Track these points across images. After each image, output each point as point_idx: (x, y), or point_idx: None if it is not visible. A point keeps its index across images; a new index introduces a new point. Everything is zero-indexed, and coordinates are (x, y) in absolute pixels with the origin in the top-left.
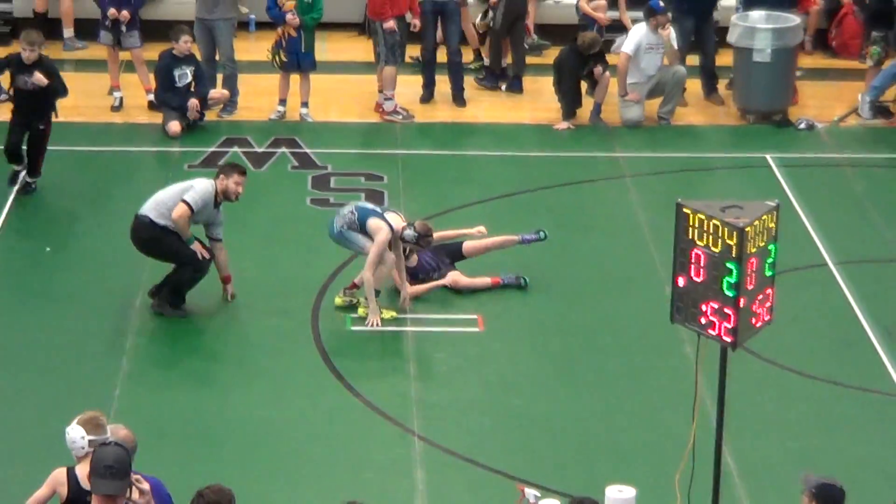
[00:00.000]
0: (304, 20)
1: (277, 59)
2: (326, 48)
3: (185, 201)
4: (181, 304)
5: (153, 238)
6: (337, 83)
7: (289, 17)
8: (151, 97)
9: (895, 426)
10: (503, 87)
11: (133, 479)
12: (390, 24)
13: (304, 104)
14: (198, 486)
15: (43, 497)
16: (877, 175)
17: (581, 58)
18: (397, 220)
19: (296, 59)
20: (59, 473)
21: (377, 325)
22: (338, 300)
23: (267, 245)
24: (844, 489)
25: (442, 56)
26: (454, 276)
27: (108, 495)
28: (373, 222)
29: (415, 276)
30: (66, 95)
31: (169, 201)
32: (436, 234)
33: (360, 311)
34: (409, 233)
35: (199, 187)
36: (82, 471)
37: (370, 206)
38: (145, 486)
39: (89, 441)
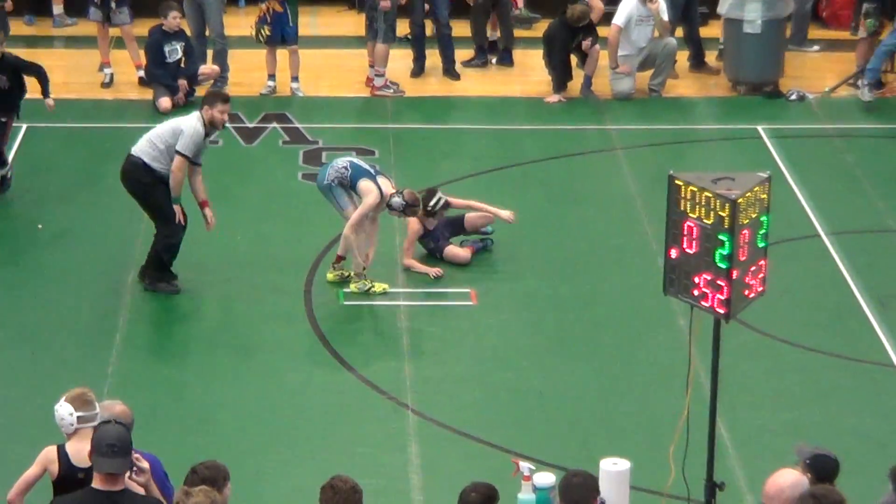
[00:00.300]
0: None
1: (262, 34)
2: (317, 23)
3: (180, 153)
4: (171, 279)
5: (144, 185)
6: (327, 58)
7: (276, 6)
8: (142, 73)
9: (888, 396)
10: (493, 60)
11: (133, 457)
12: (387, 2)
13: (295, 78)
14: (192, 464)
15: (33, 476)
16: (868, 145)
17: (571, 30)
18: (387, 186)
19: (280, 32)
20: (50, 451)
21: (364, 272)
22: (329, 275)
23: (258, 221)
24: (838, 460)
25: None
26: (451, 252)
27: (110, 473)
28: (364, 184)
29: (425, 242)
30: (22, 97)
31: (160, 143)
32: (469, 203)
33: (353, 286)
34: (397, 200)
35: (189, 130)
36: (72, 448)
37: (365, 165)
38: (145, 464)
39: (78, 417)
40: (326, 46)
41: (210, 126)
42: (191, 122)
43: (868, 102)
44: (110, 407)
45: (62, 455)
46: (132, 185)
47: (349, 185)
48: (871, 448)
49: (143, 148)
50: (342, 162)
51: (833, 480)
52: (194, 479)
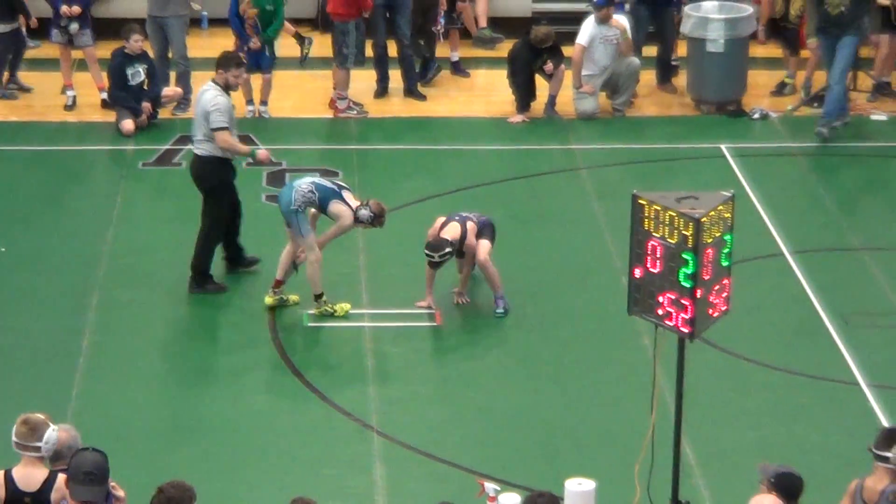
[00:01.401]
0: (264, 35)
1: None
2: (280, 44)
3: (217, 129)
4: (213, 280)
5: (214, 184)
6: (291, 79)
7: (252, 43)
8: (105, 95)
9: (852, 414)
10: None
11: (110, 485)
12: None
13: (264, 102)
14: (157, 485)
15: None
16: (831, 163)
17: (534, 51)
18: (352, 200)
19: (255, 61)
20: None
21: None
22: (268, 300)
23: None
24: (803, 478)
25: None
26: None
27: (86, 501)
28: (336, 207)
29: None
30: None
31: (198, 133)
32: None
33: (316, 311)
34: (364, 213)
35: (213, 108)
36: (19, 472)
37: (328, 183)
38: (121, 493)
39: (14, 442)
40: (290, 68)
41: (225, 89)
42: (211, 99)
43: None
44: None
45: (8, 479)
46: (201, 183)
47: (319, 207)
48: (837, 465)
49: (198, 144)
50: (306, 185)
51: (798, 498)
52: (161, 498)
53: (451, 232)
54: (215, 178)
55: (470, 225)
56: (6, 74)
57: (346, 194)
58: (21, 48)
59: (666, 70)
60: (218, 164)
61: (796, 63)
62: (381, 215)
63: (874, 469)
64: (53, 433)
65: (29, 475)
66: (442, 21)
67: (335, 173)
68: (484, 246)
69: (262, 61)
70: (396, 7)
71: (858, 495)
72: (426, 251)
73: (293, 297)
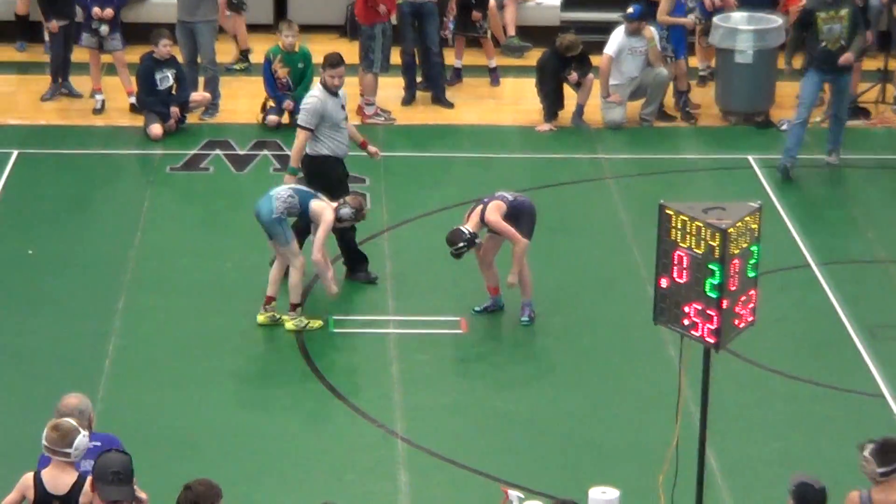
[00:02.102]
0: (295, 94)
1: (264, 115)
2: (309, 50)
3: (299, 126)
4: (366, 269)
5: (320, 181)
6: None
7: (286, 104)
8: (133, 100)
9: (877, 426)
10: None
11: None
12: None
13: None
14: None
15: (11, 501)
16: (858, 175)
17: (563, 59)
18: (329, 201)
19: (283, 110)
20: (27, 478)
21: (335, 291)
22: (260, 318)
23: (249, 248)
24: (825, 489)
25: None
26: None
27: (115, 501)
28: (316, 204)
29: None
30: None
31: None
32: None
33: (289, 324)
34: (346, 211)
35: (305, 103)
36: (48, 475)
37: (303, 187)
38: (143, 495)
39: (44, 445)
40: (317, 74)
41: (327, 89)
42: (307, 98)
43: (852, 127)
44: (66, 402)
45: (38, 481)
46: (310, 181)
47: (300, 211)
48: (861, 478)
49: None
50: (284, 191)
51: None
52: (188, 494)
53: (473, 220)
54: (325, 175)
55: (494, 204)
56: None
57: (321, 197)
58: (70, 48)
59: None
60: (325, 161)
61: None
62: (361, 209)
63: (877, 486)
64: (84, 439)
65: (58, 478)
66: (451, 26)
67: (362, 180)
68: (519, 247)
69: (296, 112)
70: (424, 15)
71: None
72: (363, 213)
73: (315, 322)
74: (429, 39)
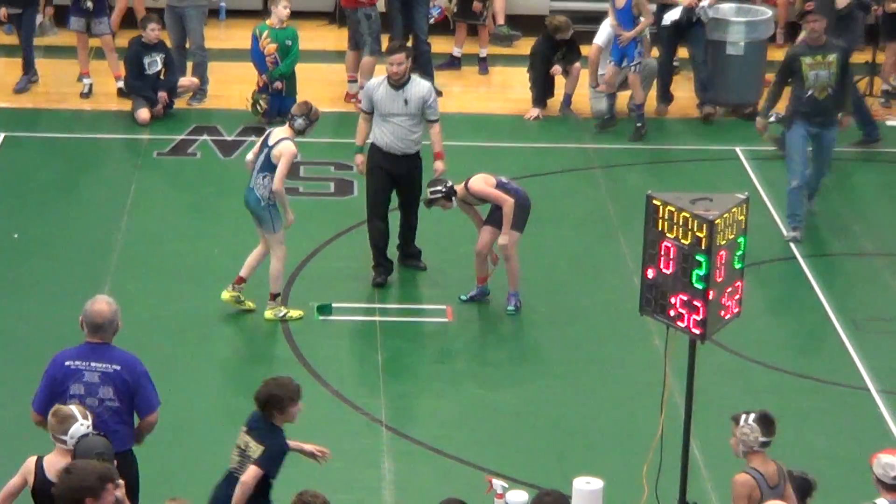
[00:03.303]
0: (279, 67)
1: (259, 105)
2: (298, 36)
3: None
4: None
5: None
6: (307, 72)
7: (276, 85)
8: (121, 84)
9: (862, 419)
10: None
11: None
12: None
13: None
14: (168, 474)
15: (15, 486)
16: (844, 168)
17: (553, 44)
18: (282, 131)
19: (277, 106)
20: (30, 462)
21: (292, 219)
22: (225, 295)
23: (236, 234)
24: (810, 480)
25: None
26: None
27: None
28: (274, 151)
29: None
30: None
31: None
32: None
33: (267, 313)
34: (298, 122)
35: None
36: (49, 461)
37: (259, 158)
38: (120, 480)
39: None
40: (306, 60)
41: (388, 77)
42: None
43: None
44: (98, 302)
45: (39, 467)
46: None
47: (268, 167)
48: (845, 470)
49: None
50: (258, 178)
51: (806, 497)
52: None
53: (460, 184)
54: (369, 161)
55: (482, 175)
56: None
57: (273, 132)
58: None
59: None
60: (371, 148)
61: None
62: (311, 111)
63: (755, 456)
64: (80, 427)
65: (57, 465)
66: (433, 13)
67: (349, 167)
68: (508, 238)
69: (285, 105)
70: (413, 3)
71: (763, 482)
72: (316, 112)
73: (294, 312)
74: (416, 26)
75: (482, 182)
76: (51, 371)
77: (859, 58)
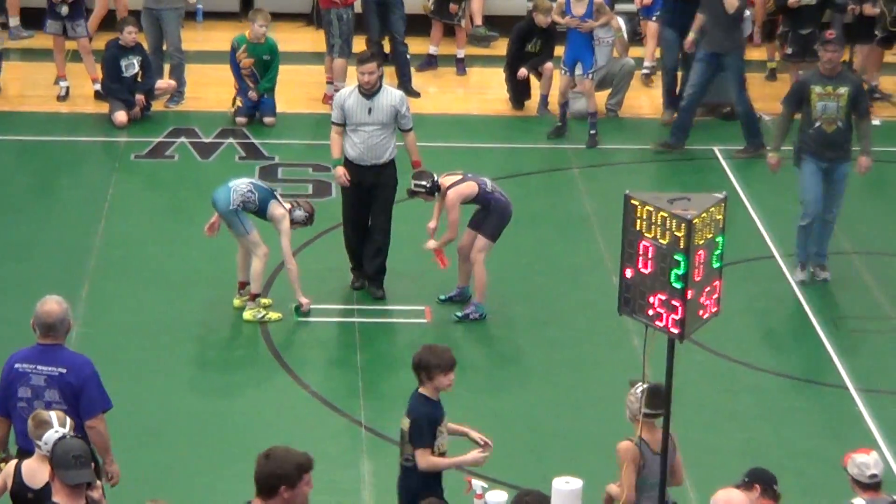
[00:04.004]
0: (260, 86)
1: (235, 102)
2: (275, 38)
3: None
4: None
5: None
6: (285, 74)
7: (251, 94)
8: (98, 87)
9: (840, 418)
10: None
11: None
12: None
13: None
14: (147, 478)
15: None
16: None
17: (521, 38)
18: (284, 202)
19: (255, 106)
20: (9, 466)
21: (308, 306)
22: (237, 302)
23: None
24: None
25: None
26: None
27: (78, 485)
28: (275, 209)
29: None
30: None
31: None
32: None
33: (247, 314)
34: (299, 213)
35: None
36: (27, 467)
37: (264, 185)
38: (98, 481)
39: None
40: (284, 62)
41: (359, 86)
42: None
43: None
44: (47, 302)
45: (17, 471)
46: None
47: (257, 209)
48: (824, 469)
49: None
50: (244, 185)
51: (773, 485)
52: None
53: (444, 182)
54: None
55: (466, 183)
56: None
57: (278, 195)
58: None
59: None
60: (345, 161)
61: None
62: (312, 214)
63: (641, 424)
64: (54, 434)
65: (36, 471)
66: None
67: (327, 168)
68: (478, 243)
69: (263, 107)
70: (389, 4)
71: (647, 449)
72: (313, 217)
73: (274, 314)
74: (393, 28)
75: (459, 194)
76: (4, 373)
77: None
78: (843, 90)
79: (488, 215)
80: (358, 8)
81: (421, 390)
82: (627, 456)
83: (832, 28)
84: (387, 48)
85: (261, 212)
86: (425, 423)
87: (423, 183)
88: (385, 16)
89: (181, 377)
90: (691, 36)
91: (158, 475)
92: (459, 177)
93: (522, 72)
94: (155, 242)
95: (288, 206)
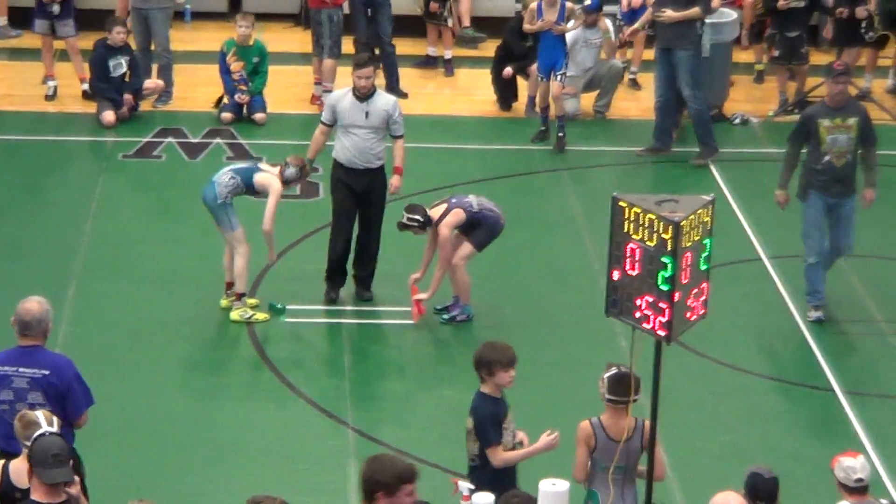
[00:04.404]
0: (251, 88)
1: (222, 101)
2: (263, 39)
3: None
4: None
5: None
6: (273, 74)
7: (238, 97)
8: (86, 86)
9: (826, 420)
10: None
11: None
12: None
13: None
14: (133, 478)
15: None
16: None
17: (506, 43)
18: (271, 167)
19: (239, 106)
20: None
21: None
22: (224, 302)
23: (202, 236)
24: (776, 479)
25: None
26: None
27: (57, 483)
28: (260, 177)
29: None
30: None
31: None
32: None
33: (234, 314)
34: (290, 171)
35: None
36: (14, 466)
37: (245, 164)
38: (76, 478)
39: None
40: (271, 63)
41: (354, 89)
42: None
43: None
44: (25, 302)
45: (4, 471)
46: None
47: (245, 189)
48: (810, 471)
49: None
50: (225, 175)
51: (767, 500)
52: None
53: (434, 214)
54: (332, 176)
55: (454, 212)
56: None
57: (263, 165)
58: None
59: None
60: (334, 163)
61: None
62: (304, 167)
63: (607, 408)
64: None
65: (23, 471)
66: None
67: (315, 169)
68: (462, 249)
69: (254, 104)
70: (377, 5)
71: (601, 432)
72: (307, 169)
73: (261, 315)
74: (381, 29)
75: (447, 227)
76: None
77: (821, 59)
78: (851, 121)
79: (479, 226)
80: (346, 9)
81: (482, 389)
82: (581, 435)
83: (821, 30)
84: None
85: (251, 189)
86: (490, 422)
87: (417, 217)
88: (372, 17)
89: (168, 377)
90: (636, 25)
91: (144, 474)
92: (444, 206)
93: (508, 70)
94: (142, 242)
95: (276, 168)
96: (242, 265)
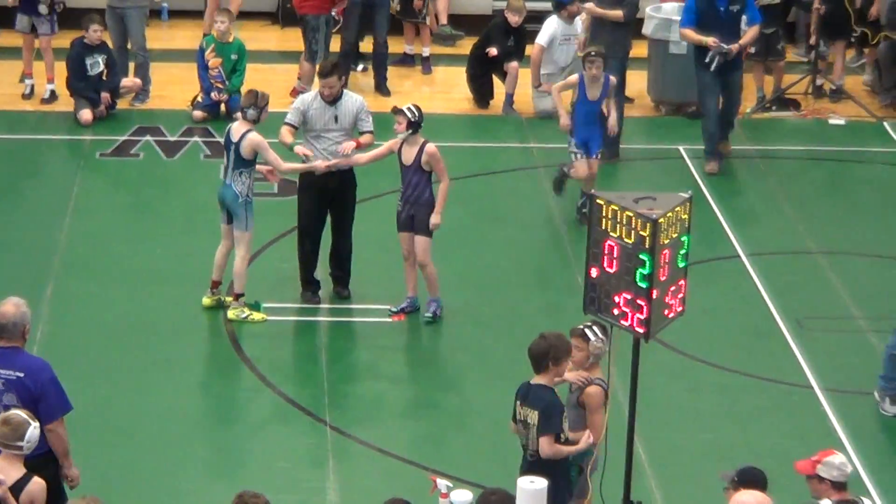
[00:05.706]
0: (229, 85)
1: (197, 100)
2: (240, 37)
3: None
4: (313, 290)
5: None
6: (250, 72)
7: (214, 94)
8: (52, 87)
9: (805, 417)
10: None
11: None
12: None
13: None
14: (111, 476)
15: None
16: (789, 167)
17: (496, 38)
18: (240, 127)
19: (214, 105)
20: None
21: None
22: (206, 301)
23: (180, 234)
24: (765, 473)
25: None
26: None
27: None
28: (243, 146)
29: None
30: None
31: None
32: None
33: (230, 314)
34: (251, 113)
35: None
36: None
37: (224, 161)
38: (1, 476)
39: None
40: (249, 61)
41: (322, 95)
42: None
43: (783, 119)
44: (3, 304)
45: None
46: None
47: (250, 169)
48: (790, 469)
49: None
50: (234, 174)
51: (765, 489)
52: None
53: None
54: (301, 181)
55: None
56: None
57: (232, 126)
58: None
59: (725, 128)
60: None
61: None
62: (257, 98)
63: (595, 367)
64: (35, 431)
65: (5, 471)
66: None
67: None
68: (420, 244)
69: (233, 103)
70: (376, 5)
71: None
72: (266, 97)
73: (258, 315)
74: (377, 28)
75: (437, 151)
76: None
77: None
78: None
79: (416, 213)
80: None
81: (539, 381)
82: (600, 400)
83: (799, 26)
84: (363, 47)
85: (251, 163)
86: (556, 411)
87: (415, 113)
88: (370, 16)
89: (146, 376)
90: (582, 35)
91: (124, 474)
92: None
93: (493, 50)
94: (120, 241)
95: (244, 126)
96: (242, 266)
